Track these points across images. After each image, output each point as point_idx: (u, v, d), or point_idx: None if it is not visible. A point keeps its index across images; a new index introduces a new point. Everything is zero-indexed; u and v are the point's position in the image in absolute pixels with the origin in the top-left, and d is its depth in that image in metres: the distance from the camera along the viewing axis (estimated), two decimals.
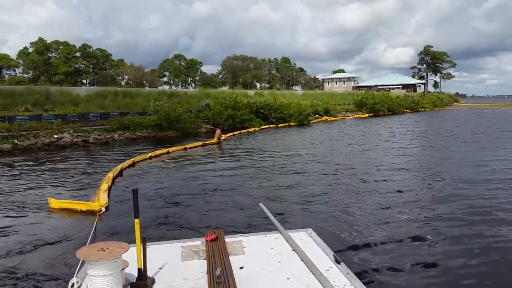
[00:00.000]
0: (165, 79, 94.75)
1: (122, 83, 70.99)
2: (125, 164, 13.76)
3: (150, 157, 15.74)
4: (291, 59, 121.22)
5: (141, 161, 14.96)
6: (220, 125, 25.22)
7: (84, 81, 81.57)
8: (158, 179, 11.71)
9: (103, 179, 11.23)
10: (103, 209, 8.31)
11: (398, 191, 9.77)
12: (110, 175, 11.62)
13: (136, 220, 2.88)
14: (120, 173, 12.56)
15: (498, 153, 15.89)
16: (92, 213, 8.20)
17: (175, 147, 18.29)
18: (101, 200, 8.78)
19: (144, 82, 72.47)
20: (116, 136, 23.49)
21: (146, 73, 75.10)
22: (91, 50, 79.99)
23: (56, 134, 21.55)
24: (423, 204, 8.62)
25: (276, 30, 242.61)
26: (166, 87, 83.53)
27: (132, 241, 3.01)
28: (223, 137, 22.56)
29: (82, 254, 2.64)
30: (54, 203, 8.81)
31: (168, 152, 17.07)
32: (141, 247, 2.83)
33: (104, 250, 2.65)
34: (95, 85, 65.51)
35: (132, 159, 14.55)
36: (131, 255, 2.82)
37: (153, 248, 3.36)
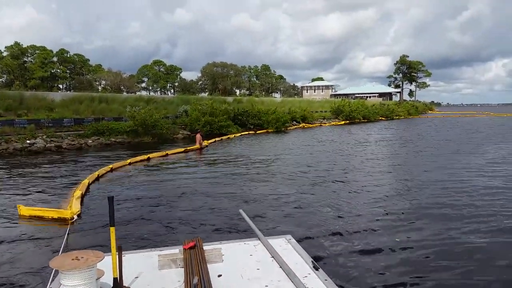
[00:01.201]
0: (143, 84, 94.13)
1: (99, 88, 70.16)
2: (102, 170, 13.56)
3: (130, 163, 15.56)
4: (272, 66, 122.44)
5: (120, 167, 14.77)
6: (198, 130, 25.36)
7: (61, 86, 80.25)
8: (136, 186, 11.54)
9: (77, 185, 11.07)
10: (75, 217, 8.12)
11: (375, 197, 9.98)
12: (86, 181, 11.47)
13: (112, 228, 2.82)
14: (96, 179, 12.41)
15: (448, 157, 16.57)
16: (63, 220, 8.01)
17: (155, 153, 18.20)
18: (73, 207, 8.59)
19: (122, 87, 71.85)
20: (90, 141, 23.30)
21: (124, 78, 74.51)
22: (68, 55, 78.91)
23: (28, 139, 21.25)
24: (397, 208, 8.88)
25: (257, 39, 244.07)
26: (145, 93, 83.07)
27: (107, 250, 2.95)
28: (204, 143, 22.67)
29: (55, 264, 2.57)
30: (24, 210, 8.54)
31: (148, 159, 16.94)
32: (117, 255, 2.77)
33: (79, 259, 2.60)
34: (72, 90, 64.57)
35: (111, 166, 14.36)
36: (106, 264, 2.78)
37: (129, 257, 3.34)
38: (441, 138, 27.18)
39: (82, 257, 2.62)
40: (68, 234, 7.06)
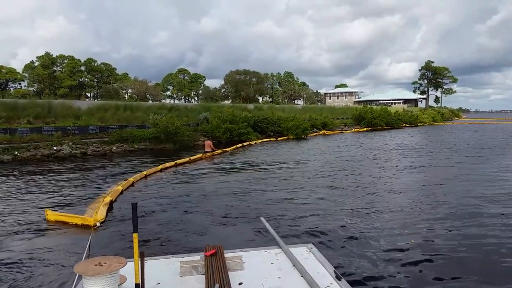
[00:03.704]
0: (168, 93, 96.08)
1: (126, 96, 72.08)
2: (137, 176, 13.93)
3: (161, 170, 16.04)
4: (295, 73, 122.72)
5: (153, 173, 15.22)
6: (209, 137, 25.90)
7: (88, 94, 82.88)
8: (164, 194, 11.66)
9: (107, 192, 11.32)
10: (98, 224, 8.31)
11: (401, 206, 9.83)
12: (119, 188, 11.67)
13: (135, 235, 2.84)
14: (131, 185, 12.69)
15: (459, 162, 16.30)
16: (87, 227, 8.23)
17: (181, 159, 18.80)
18: (98, 214, 8.78)
19: (148, 95, 73.60)
20: (114, 148, 24.09)
21: (150, 87, 76.24)
22: (95, 64, 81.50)
23: (55, 146, 22.19)
24: (424, 218, 8.74)
25: (281, 45, 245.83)
26: (170, 101, 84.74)
27: (130, 256, 2.97)
28: (228, 149, 23.47)
29: (79, 269, 2.61)
30: (51, 215, 8.83)
31: (176, 164, 17.53)
32: (139, 262, 2.79)
33: (102, 265, 2.63)
34: (99, 99, 66.54)
35: (145, 172, 14.75)
36: (129, 270, 2.81)
37: (151, 263, 3.39)
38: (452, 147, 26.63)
39: (105, 263, 2.66)
40: (90, 240, 7.13)
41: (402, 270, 5.84)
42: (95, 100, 54.70)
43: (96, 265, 2.64)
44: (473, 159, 19.16)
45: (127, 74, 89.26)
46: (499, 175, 14.31)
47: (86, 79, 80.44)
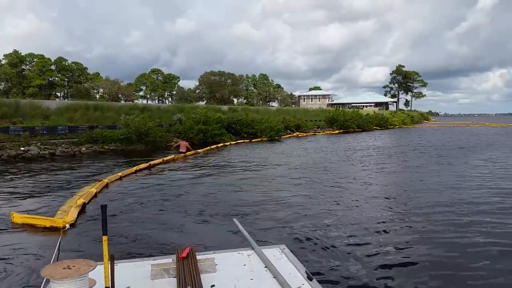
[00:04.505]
0: (141, 93, 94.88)
1: (97, 96, 70.72)
2: (112, 178, 13.68)
3: (136, 171, 15.77)
4: (270, 76, 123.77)
5: (128, 174, 14.99)
6: (184, 138, 25.86)
7: (58, 94, 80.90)
8: (138, 194, 11.56)
9: (79, 193, 11.02)
10: (67, 226, 8.13)
11: (372, 205, 10.08)
12: (92, 189, 11.41)
13: (104, 237, 2.78)
14: (105, 187, 12.48)
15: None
16: (56, 229, 8.02)
17: (155, 161, 18.60)
18: (69, 216, 8.60)
19: (120, 96, 72.46)
20: (84, 149, 23.66)
21: (122, 87, 75.10)
22: (66, 63, 79.67)
23: (23, 146, 21.62)
24: (395, 217, 8.96)
25: (257, 48, 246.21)
26: (143, 102, 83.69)
27: (100, 259, 2.90)
28: (201, 150, 23.53)
29: (46, 273, 2.53)
30: (17, 217, 8.56)
31: (150, 166, 17.29)
32: (109, 265, 2.73)
33: (70, 268, 2.56)
34: (69, 99, 65.04)
35: (120, 174, 14.50)
36: (98, 273, 2.75)
37: (121, 266, 3.34)
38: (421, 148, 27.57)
39: (74, 266, 2.60)
40: (60, 243, 6.83)
41: (373, 269, 5.93)
42: (65, 100, 53.40)
43: (64, 268, 2.57)
44: (437, 159, 19.90)
45: (99, 74, 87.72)
46: (464, 174, 14.95)
47: (56, 79, 78.49)
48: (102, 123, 29.06)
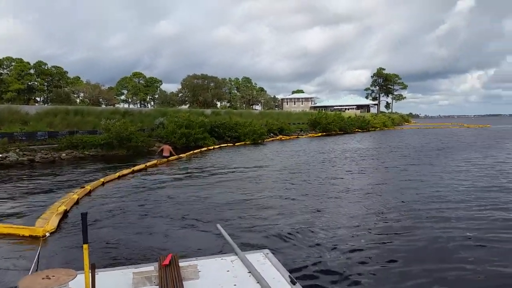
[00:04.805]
0: (122, 97, 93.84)
1: (77, 101, 69.71)
2: (95, 184, 13.46)
3: (119, 177, 15.57)
4: (253, 79, 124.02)
5: (111, 180, 14.79)
6: (167, 142, 25.70)
7: (38, 98, 79.37)
8: (121, 200, 11.41)
9: (61, 200, 10.78)
10: (48, 234, 7.96)
11: (355, 209, 10.11)
12: (74, 196, 11.17)
13: (85, 246, 2.74)
14: (88, 194, 12.26)
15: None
16: (36, 238, 7.81)
17: (138, 166, 18.40)
18: (49, 224, 8.39)
19: (101, 100, 71.58)
20: (64, 155, 23.29)
21: (103, 91, 74.25)
22: (46, 67, 78.23)
23: (0, 153, 21.17)
24: (377, 220, 9.01)
25: (240, 51, 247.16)
26: (125, 106, 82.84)
27: (80, 268, 2.86)
28: (184, 155, 23.48)
29: (25, 284, 2.47)
30: None
31: (133, 172, 17.10)
32: (90, 274, 2.70)
33: (50, 278, 2.49)
34: (49, 103, 63.89)
35: (102, 180, 14.29)
36: (79, 283, 2.69)
37: (102, 275, 3.27)
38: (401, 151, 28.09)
39: (53, 276, 2.53)
40: (39, 252, 6.40)
41: (357, 272, 5.97)
42: (45, 105, 52.46)
43: (43, 278, 2.51)
44: (415, 160, 20.30)
45: (79, 78, 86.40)
46: (442, 175, 15.30)
47: (36, 83, 77.00)
48: (83, 128, 28.66)
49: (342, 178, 15.18)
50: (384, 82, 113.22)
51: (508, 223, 8.52)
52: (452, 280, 5.66)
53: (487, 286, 5.57)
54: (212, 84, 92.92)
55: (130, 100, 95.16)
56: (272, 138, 42.22)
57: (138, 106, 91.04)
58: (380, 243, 7.34)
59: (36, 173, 17.51)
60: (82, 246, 2.76)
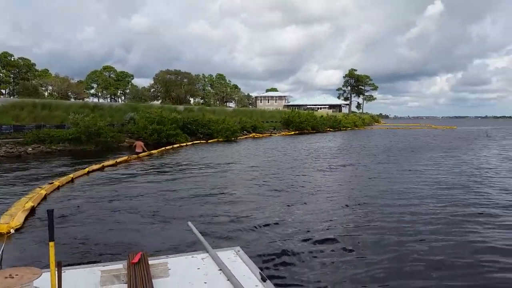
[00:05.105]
0: (92, 91, 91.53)
1: (45, 94, 67.55)
2: (64, 180, 13.11)
3: (88, 173, 15.22)
4: (228, 76, 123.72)
5: (80, 176, 14.45)
6: (141, 138, 25.41)
7: (3, 91, 76.42)
8: (91, 196, 11.20)
9: (28, 196, 10.42)
10: (12, 231, 7.72)
11: (324, 206, 10.23)
12: (42, 192, 10.87)
13: (51, 243, 2.67)
14: (56, 189, 11.98)
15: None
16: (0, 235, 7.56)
17: (108, 162, 18.04)
18: (14, 220, 8.14)
19: (70, 94, 69.65)
20: (30, 149, 22.60)
21: (72, 84, 72.21)
22: (12, 59, 75.33)
23: None
24: (345, 215, 9.25)
25: (214, 47, 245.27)
26: (95, 100, 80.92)
27: (46, 266, 2.79)
28: (155, 151, 23.16)
29: None
30: None
31: (103, 167, 16.75)
32: (56, 272, 2.63)
33: (13, 277, 2.44)
34: (16, 96, 61.58)
35: (71, 175, 13.92)
36: (45, 282, 2.63)
37: (69, 273, 3.21)
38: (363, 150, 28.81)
39: (17, 275, 2.47)
40: (3, 250, 6.53)
41: (327, 269, 6.06)
42: (11, 98, 50.59)
43: (6, 277, 2.44)
44: (382, 159, 20.89)
45: (48, 70, 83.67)
46: (406, 173, 15.82)
47: (1, 75, 74.01)
48: (50, 122, 27.85)
49: (312, 176, 15.47)
50: (356, 83, 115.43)
51: (461, 218, 8.97)
52: (409, 271, 5.93)
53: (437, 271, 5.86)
54: (185, 80, 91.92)
55: (100, 94, 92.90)
56: (245, 136, 42.32)
57: (108, 100, 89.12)
58: (348, 237, 7.59)
59: (1, 168, 16.93)
60: (48, 244, 2.70)
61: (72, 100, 57.58)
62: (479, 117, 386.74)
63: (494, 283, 5.63)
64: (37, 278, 2.53)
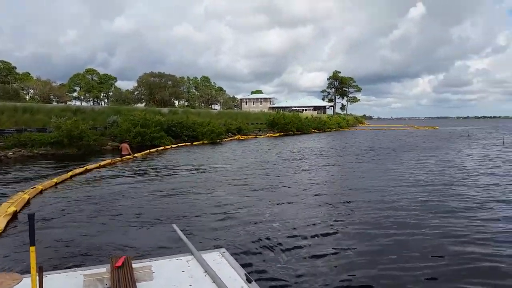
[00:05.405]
0: (75, 94, 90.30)
1: (27, 98, 66.36)
2: (47, 184, 12.86)
3: (71, 177, 14.97)
4: (213, 78, 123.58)
5: (63, 180, 14.18)
6: (126, 140, 25.16)
7: None
8: (74, 200, 11.02)
9: (10, 200, 10.24)
10: None
11: (309, 206, 10.22)
12: (25, 196, 10.65)
13: (32, 248, 2.64)
14: (40, 193, 11.76)
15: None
16: None
17: (92, 165, 17.78)
18: None
19: (52, 97, 68.61)
20: (10, 153, 22.17)
21: (54, 87, 71.19)
22: None
23: None
24: (330, 215, 9.30)
25: (199, 50, 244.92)
26: (77, 103, 79.79)
27: (28, 271, 2.75)
28: (139, 154, 23.04)
29: None
30: None
31: (86, 171, 16.50)
32: (37, 277, 2.61)
33: None
34: None
35: (55, 179, 13.67)
36: (25, 287, 2.61)
37: (51, 278, 3.16)
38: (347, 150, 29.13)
39: None
40: None
41: (312, 269, 6.05)
42: None
43: None
44: (364, 159, 21.14)
45: (29, 74, 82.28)
46: (388, 172, 16.06)
47: None
48: (32, 125, 27.35)
49: (298, 177, 15.52)
50: (340, 85, 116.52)
51: (440, 214, 9.13)
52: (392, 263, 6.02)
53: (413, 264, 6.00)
54: (169, 83, 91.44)
55: (82, 98, 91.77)
56: (230, 138, 42.28)
57: (91, 103, 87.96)
58: (333, 235, 7.69)
59: None
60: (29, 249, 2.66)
61: (54, 103, 56.74)
62: (461, 117, 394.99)
63: (469, 267, 5.96)
64: (17, 284, 2.51)
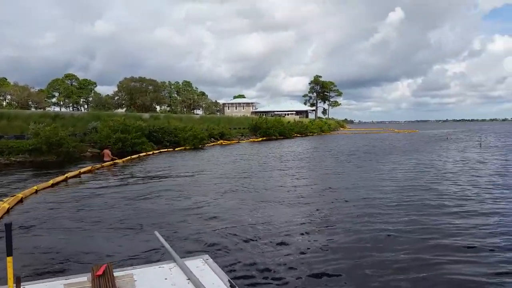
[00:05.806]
0: (54, 99, 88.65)
1: (4, 104, 64.85)
2: (27, 192, 12.55)
3: (52, 185, 14.62)
4: (195, 83, 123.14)
5: (44, 188, 13.87)
6: (108, 146, 24.83)
7: None
8: (55, 208, 10.80)
9: None
10: None
11: (294, 211, 10.28)
12: (5, 205, 10.39)
13: (9, 258, 2.61)
14: (20, 202, 11.48)
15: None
16: None
17: (72, 172, 17.45)
18: None
19: (30, 103, 67.24)
20: None
21: (32, 93, 69.76)
22: None
23: None
24: (314, 220, 9.32)
25: (180, 54, 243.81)
26: (56, 109, 78.35)
27: (4, 282, 2.74)
28: (119, 160, 22.83)
29: None
30: None
31: (66, 179, 16.15)
32: None
33: None
34: None
35: (35, 187, 13.37)
36: None
37: None
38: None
39: None
40: None
41: (297, 273, 6.05)
42: None
43: None
44: (346, 163, 21.38)
45: (6, 79, 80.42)
46: (370, 174, 16.29)
47: None
48: (9, 132, 26.67)
49: (281, 181, 15.60)
50: (321, 89, 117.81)
51: (421, 212, 9.33)
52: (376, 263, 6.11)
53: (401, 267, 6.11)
54: (150, 88, 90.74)
55: (62, 103, 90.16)
56: (213, 143, 42.14)
57: (71, 109, 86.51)
58: (317, 238, 7.78)
59: None
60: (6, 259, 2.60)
61: (33, 109, 55.62)
62: (440, 120, 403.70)
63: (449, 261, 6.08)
64: None
